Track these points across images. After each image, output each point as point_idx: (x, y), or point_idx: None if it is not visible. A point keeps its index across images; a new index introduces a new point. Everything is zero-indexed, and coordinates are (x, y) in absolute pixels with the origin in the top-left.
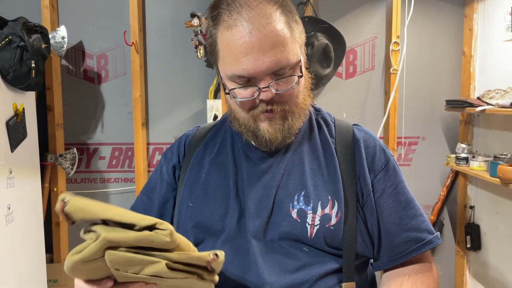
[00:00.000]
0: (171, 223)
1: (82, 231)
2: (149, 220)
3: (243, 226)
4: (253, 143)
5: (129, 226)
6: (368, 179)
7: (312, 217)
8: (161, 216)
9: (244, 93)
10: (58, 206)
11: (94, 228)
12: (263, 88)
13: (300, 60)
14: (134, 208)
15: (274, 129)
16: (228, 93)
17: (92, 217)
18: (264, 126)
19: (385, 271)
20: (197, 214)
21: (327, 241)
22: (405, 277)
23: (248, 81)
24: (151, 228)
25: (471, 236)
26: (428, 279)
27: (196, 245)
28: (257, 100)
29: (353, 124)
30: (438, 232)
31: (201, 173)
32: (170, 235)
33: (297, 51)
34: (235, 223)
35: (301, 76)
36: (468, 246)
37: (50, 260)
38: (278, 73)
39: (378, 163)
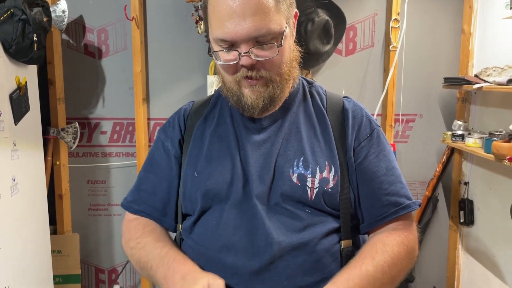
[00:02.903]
0: (177, 194)
1: None
2: None
3: (248, 192)
4: (238, 109)
5: None
6: (351, 146)
7: (311, 181)
8: (169, 191)
9: (226, 57)
10: None
11: None
12: (244, 53)
13: (283, 32)
14: (141, 188)
15: (255, 95)
16: (211, 55)
17: None
18: (247, 93)
19: (369, 233)
20: (204, 183)
21: (326, 202)
22: (378, 236)
23: (231, 46)
24: None
25: (464, 212)
26: (399, 235)
27: (203, 212)
28: (239, 66)
29: (343, 97)
30: (419, 201)
31: (203, 145)
32: None
33: (281, 22)
34: (241, 189)
35: (280, 45)
36: (462, 221)
37: (53, 231)
38: (259, 40)
39: (363, 131)
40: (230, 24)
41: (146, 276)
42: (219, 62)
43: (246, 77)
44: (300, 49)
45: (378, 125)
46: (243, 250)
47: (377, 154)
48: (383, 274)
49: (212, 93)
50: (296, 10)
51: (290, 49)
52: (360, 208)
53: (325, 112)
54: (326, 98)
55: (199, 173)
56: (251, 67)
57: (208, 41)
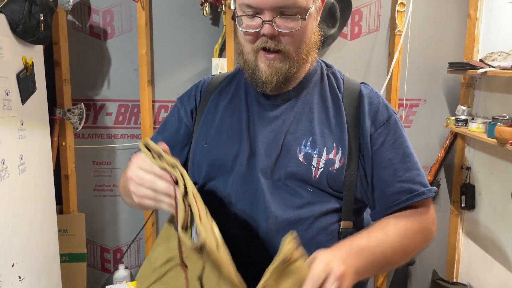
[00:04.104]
0: (186, 160)
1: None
2: None
3: (253, 165)
4: (253, 84)
5: None
6: (368, 132)
7: (317, 161)
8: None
9: (249, 23)
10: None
11: None
12: (266, 21)
13: (309, 9)
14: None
15: (271, 71)
16: (236, 18)
17: None
18: (263, 67)
19: None
20: (211, 154)
21: (330, 183)
22: (391, 218)
23: (255, 13)
24: None
25: (466, 196)
26: (412, 215)
27: (208, 180)
28: (260, 34)
29: (361, 82)
30: (435, 188)
31: (215, 117)
32: None
33: None
34: (245, 162)
35: (303, 19)
36: (463, 205)
37: (59, 211)
38: (284, 11)
39: (380, 117)
40: None
41: (128, 200)
42: (241, 28)
43: (264, 49)
44: (321, 33)
45: (394, 112)
46: (242, 220)
47: (394, 141)
48: (394, 242)
49: None
50: None
51: (312, 30)
52: (373, 195)
53: (340, 95)
54: (343, 82)
55: (208, 143)
56: (271, 37)
57: (214, 24)
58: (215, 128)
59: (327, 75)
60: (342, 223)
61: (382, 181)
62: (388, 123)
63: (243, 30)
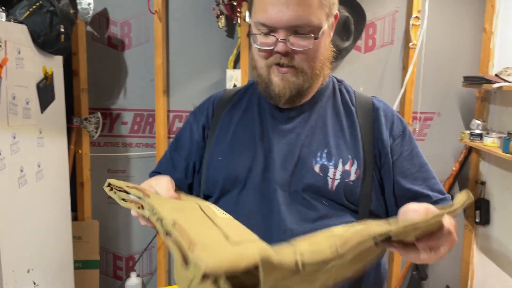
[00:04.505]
0: (193, 181)
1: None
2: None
3: (268, 177)
4: (265, 97)
5: None
6: (388, 143)
7: (333, 172)
8: (186, 170)
9: (263, 40)
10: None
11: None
12: (280, 39)
13: (322, 27)
14: (162, 162)
15: (284, 84)
16: (251, 36)
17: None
18: (276, 81)
19: None
20: (226, 167)
21: (346, 195)
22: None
23: (270, 31)
24: None
25: (480, 211)
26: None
27: (222, 194)
28: (274, 51)
29: (372, 96)
30: (449, 195)
31: (229, 131)
32: None
33: (320, 17)
34: (260, 175)
35: (316, 38)
36: (477, 220)
37: (74, 218)
38: (298, 30)
39: (396, 129)
40: (273, 9)
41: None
42: (255, 45)
43: (278, 64)
44: (334, 49)
45: (407, 124)
46: (257, 233)
47: (410, 151)
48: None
49: (231, 86)
50: (337, 11)
51: (325, 47)
52: (396, 205)
53: (353, 109)
54: (355, 96)
55: (222, 157)
56: (285, 54)
57: (229, 36)
58: (229, 142)
59: (339, 89)
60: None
61: (403, 189)
62: (404, 134)
63: (258, 47)
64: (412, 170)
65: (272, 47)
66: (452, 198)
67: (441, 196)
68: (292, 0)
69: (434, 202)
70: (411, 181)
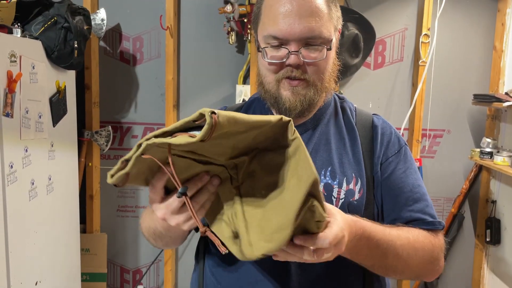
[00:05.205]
0: None
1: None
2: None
3: None
4: (273, 112)
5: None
6: (380, 160)
7: (337, 191)
8: None
9: (274, 53)
10: (209, 120)
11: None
12: (292, 51)
13: (332, 39)
14: None
15: (295, 98)
16: (260, 51)
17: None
18: (287, 94)
19: None
20: None
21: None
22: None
23: (281, 44)
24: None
25: (491, 230)
26: (425, 236)
27: None
28: (284, 65)
29: (373, 114)
30: (443, 222)
31: None
32: None
33: (330, 30)
34: None
35: (329, 49)
36: (488, 240)
37: (83, 230)
38: (309, 42)
39: (391, 148)
40: (285, 22)
41: (153, 242)
42: (265, 59)
43: (288, 77)
44: (339, 63)
45: (406, 144)
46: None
47: (404, 170)
48: (402, 244)
49: (241, 101)
50: (340, 26)
51: (333, 60)
52: (383, 223)
53: (355, 127)
54: (356, 114)
55: None
56: (296, 66)
57: (239, 52)
58: None
59: (341, 106)
60: None
61: (391, 209)
62: (399, 153)
63: (268, 61)
64: (404, 189)
65: (283, 60)
66: (462, 218)
67: (430, 220)
68: (304, 12)
69: (426, 224)
70: (403, 200)
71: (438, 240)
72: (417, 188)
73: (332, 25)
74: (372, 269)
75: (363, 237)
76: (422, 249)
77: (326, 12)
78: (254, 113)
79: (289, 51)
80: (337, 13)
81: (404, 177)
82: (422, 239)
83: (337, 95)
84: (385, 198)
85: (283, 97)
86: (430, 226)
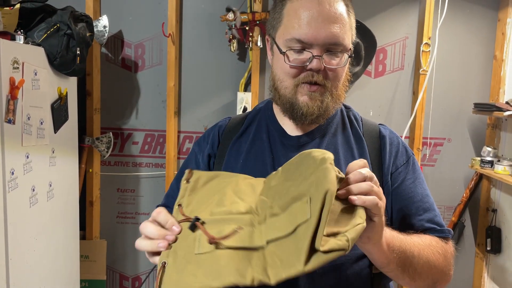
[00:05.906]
0: None
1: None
2: None
3: None
4: (287, 119)
5: None
6: (389, 170)
7: None
8: None
9: (296, 57)
10: None
11: None
12: (316, 55)
13: (349, 48)
14: (169, 194)
15: (313, 103)
16: (284, 53)
17: None
18: (304, 99)
19: None
20: None
21: None
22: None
23: (303, 48)
24: None
25: (491, 239)
26: (437, 241)
27: None
28: (306, 69)
29: (379, 124)
30: (451, 229)
31: (238, 161)
32: None
33: (350, 38)
34: None
35: (350, 56)
36: (488, 248)
37: (82, 237)
38: (331, 48)
39: (400, 158)
40: (310, 26)
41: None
42: (287, 63)
43: (308, 82)
44: (350, 74)
45: (412, 153)
46: None
47: (413, 180)
48: (423, 248)
49: (242, 109)
50: (354, 36)
51: (346, 72)
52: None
53: (362, 136)
54: (362, 123)
55: None
56: (317, 71)
57: (240, 59)
58: (239, 172)
59: (348, 116)
60: (373, 267)
61: (401, 218)
62: (408, 163)
63: (290, 64)
64: (414, 198)
65: (305, 64)
66: (463, 226)
67: (439, 228)
68: (330, 18)
69: (436, 231)
70: (414, 210)
71: (449, 247)
72: (426, 198)
73: (351, 34)
74: (397, 273)
75: (394, 236)
76: (438, 254)
77: (348, 21)
78: (258, 124)
79: (313, 55)
80: (353, 24)
81: (414, 187)
82: (435, 244)
83: (343, 104)
84: (395, 208)
85: (300, 102)
86: (440, 234)
